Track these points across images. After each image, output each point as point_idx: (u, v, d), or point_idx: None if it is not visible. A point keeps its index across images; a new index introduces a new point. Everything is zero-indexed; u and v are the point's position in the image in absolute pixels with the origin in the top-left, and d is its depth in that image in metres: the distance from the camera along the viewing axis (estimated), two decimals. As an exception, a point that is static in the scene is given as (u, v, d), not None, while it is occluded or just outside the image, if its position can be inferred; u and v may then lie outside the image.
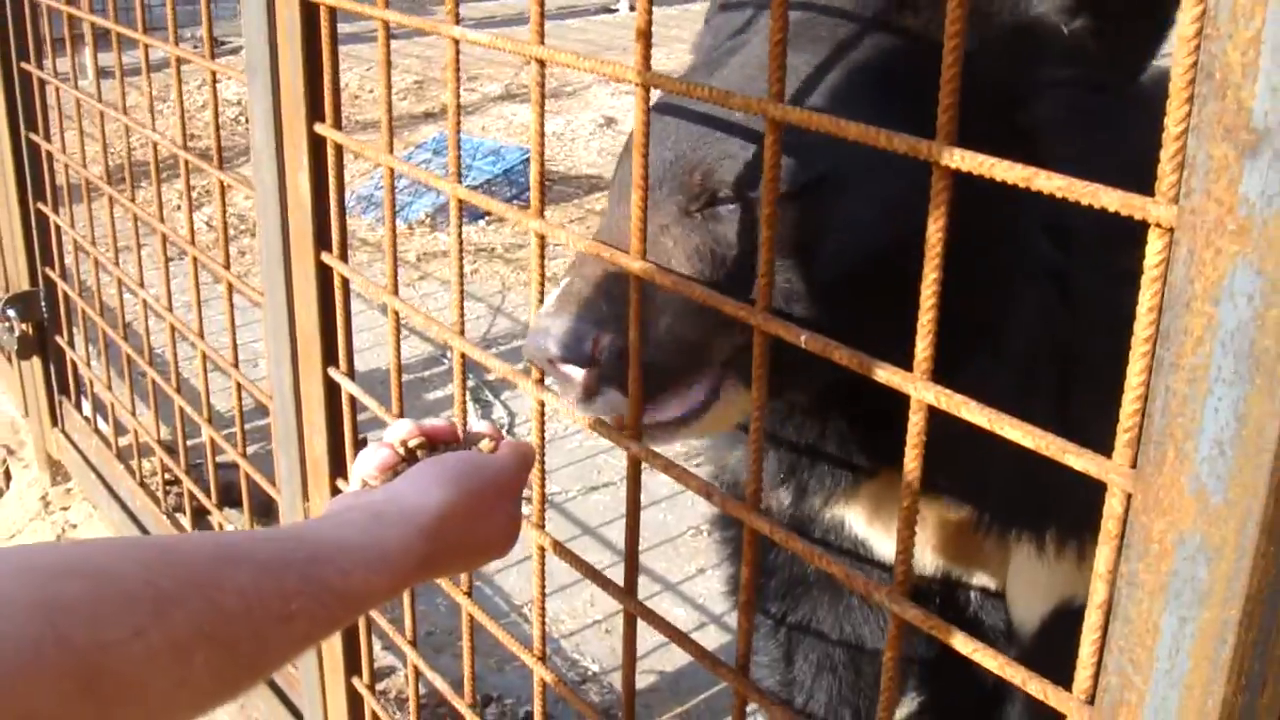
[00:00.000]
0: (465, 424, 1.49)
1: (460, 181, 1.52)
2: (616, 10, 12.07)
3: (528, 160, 6.67)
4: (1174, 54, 0.75)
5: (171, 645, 0.95)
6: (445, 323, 1.62)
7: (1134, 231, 0.82)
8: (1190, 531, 0.80)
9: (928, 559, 1.87)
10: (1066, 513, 1.52)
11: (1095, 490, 0.87)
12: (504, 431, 4.37)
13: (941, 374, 0.97)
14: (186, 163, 2.58)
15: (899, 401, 1.01)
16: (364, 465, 1.41)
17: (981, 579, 1.88)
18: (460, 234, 1.53)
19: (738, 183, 1.42)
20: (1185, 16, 0.74)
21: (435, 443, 1.44)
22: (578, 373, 1.42)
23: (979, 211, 1.18)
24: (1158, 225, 0.78)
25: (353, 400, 1.98)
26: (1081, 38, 1.43)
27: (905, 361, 1.00)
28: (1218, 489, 0.78)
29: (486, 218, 6.30)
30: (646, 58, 1.18)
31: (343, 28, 1.85)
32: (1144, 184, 1.34)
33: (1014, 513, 1.58)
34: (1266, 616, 0.80)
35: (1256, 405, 0.75)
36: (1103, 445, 0.86)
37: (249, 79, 1.98)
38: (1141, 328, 0.81)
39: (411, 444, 1.42)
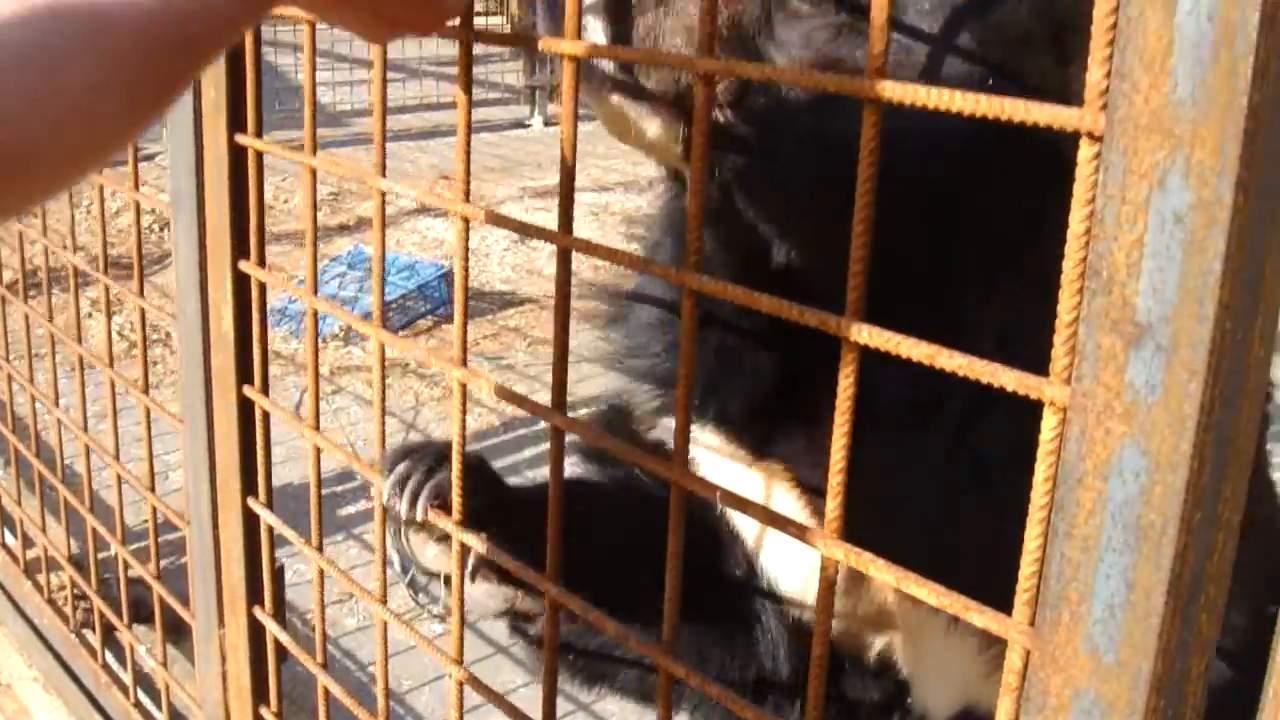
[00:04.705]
0: None
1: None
2: (530, 125, 12.24)
3: (443, 275, 6.73)
4: (1066, 249, 0.82)
5: (73, 110, 0.93)
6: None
7: None
8: (1085, 688, 0.85)
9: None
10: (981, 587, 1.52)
11: (1013, 563, 0.89)
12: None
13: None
14: (106, 287, 2.59)
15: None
16: None
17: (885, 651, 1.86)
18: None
19: None
20: (1075, 216, 0.81)
21: None
22: None
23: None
24: (1052, 404, 0.84)
25: (270, 530, 1.99)
26: None
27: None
28: (1110, 649, 0.84)
29: (401, 332, 6.33)
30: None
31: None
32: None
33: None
34: (1157, 770, 0.86)
35: (1144, 573, 0.81)
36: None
37: (174, 213, 2.02)
38: (1038, 496, 0.86)
39: None
